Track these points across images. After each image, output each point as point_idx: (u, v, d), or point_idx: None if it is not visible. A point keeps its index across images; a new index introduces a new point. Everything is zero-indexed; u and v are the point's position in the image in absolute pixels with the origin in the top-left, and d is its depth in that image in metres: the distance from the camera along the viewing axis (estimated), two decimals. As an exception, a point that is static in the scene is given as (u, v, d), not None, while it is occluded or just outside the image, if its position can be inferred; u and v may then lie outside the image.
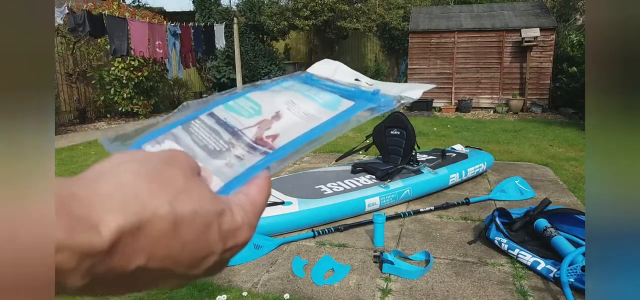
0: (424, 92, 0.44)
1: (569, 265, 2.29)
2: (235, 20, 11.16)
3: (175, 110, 0.40)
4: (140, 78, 9.73)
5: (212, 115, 0.40)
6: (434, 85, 0.50)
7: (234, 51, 11.53)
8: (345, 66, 0.50)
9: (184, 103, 0.42)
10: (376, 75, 14.64)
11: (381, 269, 2.51)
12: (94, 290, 0.24)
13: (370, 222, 3.02)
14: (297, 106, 0.41)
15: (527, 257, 2.54)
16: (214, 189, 0.31)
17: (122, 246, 0.23)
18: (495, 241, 2.74)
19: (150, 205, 0.24)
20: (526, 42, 9.76)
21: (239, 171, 0.34)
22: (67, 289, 0.22)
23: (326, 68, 0.50)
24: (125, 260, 0.23)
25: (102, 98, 9.73)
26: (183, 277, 0.28)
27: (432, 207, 3.51)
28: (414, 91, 0.42)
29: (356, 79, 0.48)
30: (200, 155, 0.35)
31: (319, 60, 0.55)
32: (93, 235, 0.22)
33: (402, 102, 0.42)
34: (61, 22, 7.93)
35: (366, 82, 0.47)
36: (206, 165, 0.34)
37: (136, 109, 9.96)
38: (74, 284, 0.22)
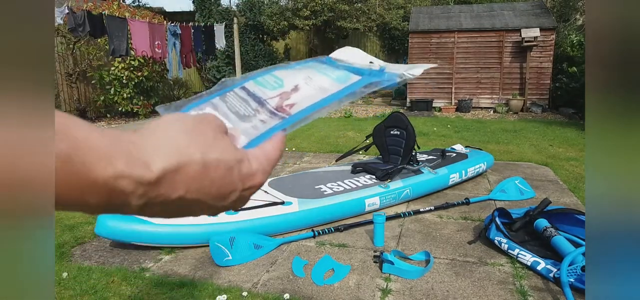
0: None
1: (569, 265, 2.29)
2: (235, 20, 11.16)
3: (215, 86, 0.50)
4: (140, 78, 9.72)
5: (244, 88, 0.49)
6: (435, 64, 0.54)
7: (234, 51, 11.53)
8: (362, 52, 0.57)
9: (223, 79, 0.51)
10: (376, 75, 14.61)
11: (381, 269, 2.51)
12: (146, 212, 0.34)
13: (370, 222, 3.02)
14: (313, 81, 0.48)
15: (527, 257, 2.54)
16: (241, 145, 0.40)
17: (166, 180, 0.32)
18: (495, 241, 2.74)
19: (187, 152, 0.33)
20: (526, 42, 9.76)
21: (261, 131, 0.42)
22: (132, 207, 0.32)
23: (345, 53, 0.57)
24: (169, 190, 0.33)
25: (102, 98, 9.72)
26: (213, 207, 0.37)
27: (432, 207, 3.51)
28: (416, 69, 0.50)
29: (370, 62, 0.54)
30: (232, 119, 0.44)
31: None
32: (145, 170, 0.31)
33: (405, 78, 0.49)
34: (61, 22, 7.93)
35: (379, 64, 0.53)
36: (237, 127, 0.43)
37: (136, 109, 9.96)
38: (135, 204, 0.32)
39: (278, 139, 0.41)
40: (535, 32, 9.67)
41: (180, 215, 0.36)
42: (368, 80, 0.47)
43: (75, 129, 0.29)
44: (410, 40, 10.88)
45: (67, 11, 7.58)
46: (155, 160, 0.32)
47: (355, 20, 13.99)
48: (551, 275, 2.37)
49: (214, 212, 0.38)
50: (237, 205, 0.39)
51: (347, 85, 0.47)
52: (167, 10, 15.29)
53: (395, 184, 3.59)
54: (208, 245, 2.76)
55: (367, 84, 0.46)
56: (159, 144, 0.33)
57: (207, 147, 0.34)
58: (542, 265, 2.45)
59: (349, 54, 0.56)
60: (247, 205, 2.99)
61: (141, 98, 10.00)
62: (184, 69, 9.83)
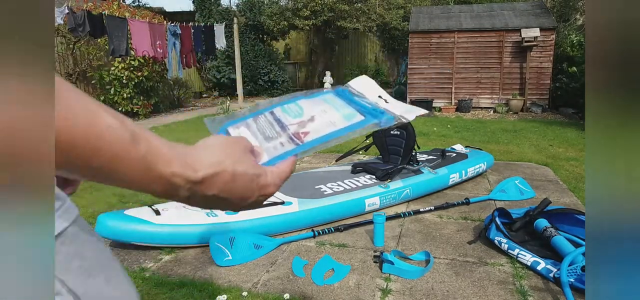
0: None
1: (569, 265, 2.29)
2: (235, 20, 11.16)
3: (252, 105, 0.64)
4: (140, 78, 9.72)
5: (272, 113, 0.62)
6: (426, 111, 0.69)
7: (234, 51, 11.53)
8: (375, 85, 0.70)
9: (257, 102, 0.65)
10: (376, 75, 14.66)
11: (381, 269, 2.51)
12: (191, 202, 0.48)
13: (370, 222, 3.02)
14: (327, 115, 0.61)
15: (527, 257, 2.54)
16: (263, 161, 0.54)
17: (206, 181, 0.46)
18: (495, 241, 2.74)
19: (222, 164, 0.47)
20: (526, 42, 9.76)
21: (279, 153, 0.55)
22: (181, 197, 0.46)
23: (361, 83, 0.70)
24: (208, 189, 0.47)
25: (102, 98, 9.70)
26: (236, 205, 0.51)
27: (432, 207, 3.51)
28: (410, 114, 0.62)
29: (379, 96, 0.67)
30: (260, 139, 0.57)
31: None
32: (193, 173, 0.45)
33: (400, 121, 0.60)
34: (61, 22, 7.93)
35: (385, 99, 0.66)
36: (262, 145, 0.56)
37: (136, 109, 9.95)
38: (183, 194, 0.46)
39: (290, 161, 0.55)
40: (535, 32, 9.67)
41: (214, 208, 0.50)
42: (369, 121, 0.59)
43: (151, 138, 0.43)
44: (410, 40, 10.88)
45: (67, 11, 7.58)
46: (200, 167, 0.46)
47: (355, 20, 13.98)
48: (551, 275, 2.37)
49: (236, 209, 0.52)
50: (253, 206, 0.53)
51: (351, 123, 0.59)
52: (167, 10, 15.29)
53: (395, 184, 3.59)
54: (208, 245, 2.76)
55: (367, 125, 0.58)
56: (204, 156, 0.47)
57: (236, 162, 0.48)
58: (542, 265, 2.45)
59: (363, 85, 0.69)
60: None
61: (141, 98, 10.00)
62: (184, 69, 9.83)
